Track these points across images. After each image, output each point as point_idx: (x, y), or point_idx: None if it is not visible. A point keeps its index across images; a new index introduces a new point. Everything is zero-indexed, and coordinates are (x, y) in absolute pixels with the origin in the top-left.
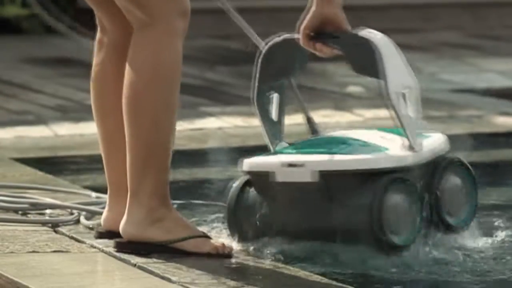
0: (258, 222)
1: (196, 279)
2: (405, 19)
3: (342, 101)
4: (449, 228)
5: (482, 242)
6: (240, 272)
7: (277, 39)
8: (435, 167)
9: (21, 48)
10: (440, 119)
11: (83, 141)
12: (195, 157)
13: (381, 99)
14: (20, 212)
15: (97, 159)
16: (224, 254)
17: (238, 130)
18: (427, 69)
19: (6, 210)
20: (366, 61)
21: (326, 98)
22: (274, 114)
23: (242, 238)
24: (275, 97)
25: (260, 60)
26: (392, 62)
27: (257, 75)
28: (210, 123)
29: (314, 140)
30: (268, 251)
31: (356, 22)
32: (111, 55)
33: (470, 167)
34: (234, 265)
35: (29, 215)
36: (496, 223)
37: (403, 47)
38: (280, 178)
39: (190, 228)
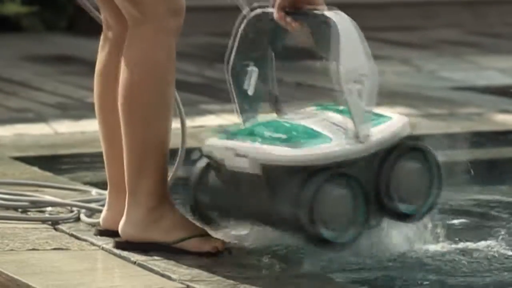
0: (216, 205)
1: (196, 277)
2: (405, 17)
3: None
4: (403, 217)
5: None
6: (240, 270)
7: (258, 11)
8: (387, 154)
9: (21, 46)
10: (440, 117)
11: (84, 139)
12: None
13: (380, 97)
14: (20, 210)
15: (97, 157)
16: (223, 252)
17: (238, 127)
18: (427, 66)
19: (6, 208)
20: (326, 41)
21: (326, 96)
22: (250, 88)
23: (205, 221)
24: (253, 70)
25: (239, 31)
26: (350, 46)
27: (235, 45)
28: (210, 120)
29: (270, 123)
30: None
31: (356, 20)
32: (115, 51)
33: (430, 153)
34: (233, 263)
35: (29, 213)
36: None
37: (403, 45)
38: (227, 164)
39: (190, 228)
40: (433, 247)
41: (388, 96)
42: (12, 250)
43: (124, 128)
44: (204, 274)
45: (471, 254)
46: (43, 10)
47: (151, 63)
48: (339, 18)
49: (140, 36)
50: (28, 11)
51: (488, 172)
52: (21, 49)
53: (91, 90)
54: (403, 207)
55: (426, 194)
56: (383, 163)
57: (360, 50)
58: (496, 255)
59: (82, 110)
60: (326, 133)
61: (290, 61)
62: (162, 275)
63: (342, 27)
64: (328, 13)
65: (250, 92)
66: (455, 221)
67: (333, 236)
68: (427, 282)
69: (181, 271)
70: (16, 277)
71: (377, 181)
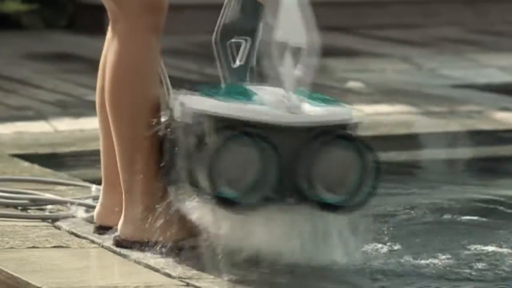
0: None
1: (196, 275)
2: (405, 15)
3: (342, 97)
4: (327, 207)
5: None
6: (240, 267)
7: None
8: (317, 136)
9: (21, 44)
10: (440, 114)
11: (83, 137)
12: None
13: (380, 94)
14: (20, 207)
15: (97, 155)
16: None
17: None
18: (427, 64)
19: (6, 205)
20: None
21: (325, 94)
22: (238, 59)
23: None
24: (245, 41)
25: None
26: (289, 14)
27: (224, 14)
28: None
29: (232, 86)
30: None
31: (357, 18)
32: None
33: (365, 145)
34: (233, 260)
35: (29, 211)
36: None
37: (404, 42)
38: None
39: (187, 228)
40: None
41: (388, 93)
42: (12, 248)
43: (112, 126)
44: (204, 272)
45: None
46: (43, 8)
47: (129, 60)
48: None
49: (119, 33)
50: (28, 9)
51: (488, 170)
52: (21, 47)
53: (91, 88)
54: (326, 196)
55: (356, 186)
56: (310, 144)
57: (300, 21)
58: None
59: (82, 108)
60: (266, 100)
61: None
62: (163, 273)
63: None
64: None
65: (238, 62)
66: (458, 219)
67: (233, 195)
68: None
69: (181, 269)
70: (16, 275)
71: (299, 160)
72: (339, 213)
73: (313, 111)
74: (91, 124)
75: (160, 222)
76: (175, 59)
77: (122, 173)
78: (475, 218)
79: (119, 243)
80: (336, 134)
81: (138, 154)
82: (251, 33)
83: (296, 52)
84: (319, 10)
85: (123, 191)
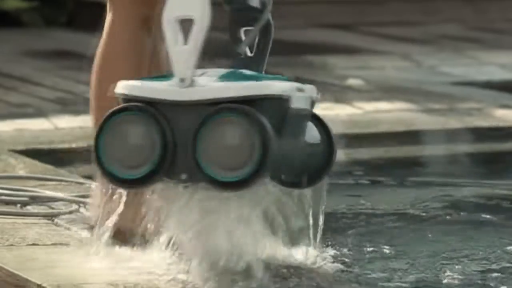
0: None
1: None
2: (405, 12)
3: (342, 94)
4: (221, 185)
5: None
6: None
7: None
8: (212, 111)
9: (21, 41)
10: (440, 111)
11: (84, 134)
12: None
13: (380, 92)
14: (19, 205)
15: None
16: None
17: None
18: (427, 62)
19: (6, 203)
20: None
21: (326, 91)
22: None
23: None
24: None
25: None
26: None
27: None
28: None
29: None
30: None
31: (357, 15)
32: None
33: (258, 121)
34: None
35: (28, 208)
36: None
37: (404, 40)
38: None
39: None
40: None
41: (388, 91)
42: (11, 245)
43: (91, 115)
44: (199, 268)
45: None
46: (43, 5)
47: (113, 53)
48: None
49: (107, 24)
50: (28, 6)
51: (488, 167)
52: (21, 44)
53: None
54: (216, 173)
55: (246, 164)
56: (196, 119)
57: None
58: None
59: (82, 105)
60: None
61: (290, 55)
62: (164, 270)
63: None
64: None
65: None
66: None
67: (120, 172)
68: None
69: (179, 265)
70: (15, 272)
71: (187, 136)
72: (232, 191)
73: (211, 87)
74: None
75: (127, 210)
76: None
77: None
78: (478, 215)
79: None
80: (219, 108)
81: None
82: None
83: (184, 22)
84: (319, 8)
85: None
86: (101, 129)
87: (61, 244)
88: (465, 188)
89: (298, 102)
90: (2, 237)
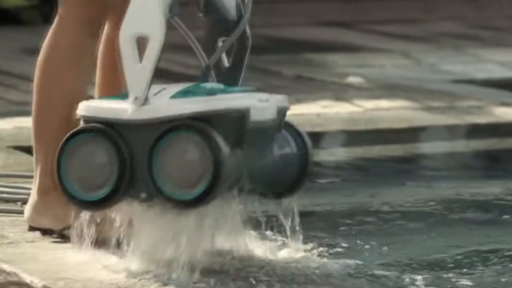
0: None
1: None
2: (405, 10)
3: (342, 92)
4: (173, 201)
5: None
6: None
7: None
8: (165, 129)
9: (20, 39)
10: (440, 109)
11: None
12: None
13: (380, 90)
14: (19, 203)
15: None
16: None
17: None
18: (427, 59)
19: (6, 201)
20: None
21: (326, 89)
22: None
23: None
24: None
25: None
26: (142, 4)
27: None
28: None
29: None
30: None
31: (357, 13)
32: (102, 47)
33: (217, 142)
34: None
35: None
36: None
37: (403, 37)
38: None
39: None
40: None
41: (388, 89)
42: (11, 242)
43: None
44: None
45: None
46: (42, 3)
47: (49, 49)
48: None
49: (53, 24)
50: (28, 4)
51: (488, 165)
52: (21, 42)
53: (90, 82)
54: (172, 192)
55: (200, 181)
56: (148, 139)
57: (153, 11)
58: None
59: None
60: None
61: (290, 53)
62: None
63: None
64: None
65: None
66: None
67: (81, 194)
68: None
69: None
70: (16, 270)
71: (142, 155)
72: (189, 209)
73: (165, 105)
74: None
75: (53, 209)
76: (175, 54)
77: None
78: (479, 213)
79: (30, 227)
80: (171, 126)
81: (41, 141)
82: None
83: (139, 40)
84: (319, 5)
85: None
86: (61, 151)
87: (61, 241)
88: (463, 186)
89: (259, 115)
90: (2, 235)
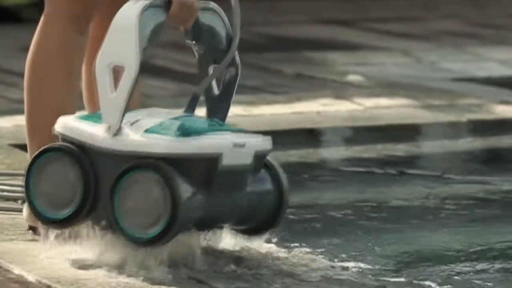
0: None
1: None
2: (405, 8)
3: (342, 90)
4: (130, 238)
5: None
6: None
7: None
8: (129, 166)
9: (21, 37)
10: (440, 107)
11: None
12: None
13: (381, 88)
14: (19, 201)
15: None
16: None
17: (238, 118)
18: (427, 58)
19: (6, 199)
20: None
21: (326, 87)
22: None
23: None
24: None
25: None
26: (119, 34)
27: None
28: None
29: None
30: None
31: (357, 11)
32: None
33: (175, 185)
34: None
35: None
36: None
37: (404, 36)
38: None
39: None
40: None
41: (389, 87)
42: (11, 240)
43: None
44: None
45: None
46: (42, 1)
47: (37, 46)
48: (129, 7)
49: (41, 21)
50: (27, 2)
51: (488, 164)
52: (21, 40)
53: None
54: (130, 229)
55: (157, 222)
56: (125, 169)
57: (129, 42)
58: None
59: (80, 101)
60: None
61: (290, 52)
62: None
63: (120, 15)
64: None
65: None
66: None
67: (46, 211)
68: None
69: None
70: (15, 267)
71: (109, 186)
72: (145, 247)
73: (135, 140)
74: None
75: None
76: (175, 53)
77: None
78: (478, 210)
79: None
80: (135, 164)
81: (34, 140)
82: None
83: (115, 70)
84: (319, 4)
85: None
86: (31, 166)
87: (59, 241)
88: (460, 183)
89: (232, 160)
90: (2, 232)
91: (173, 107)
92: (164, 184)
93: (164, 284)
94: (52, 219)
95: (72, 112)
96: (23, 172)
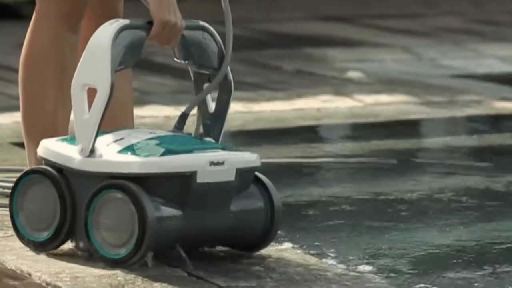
0: None
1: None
2: (406, 5)
3: (342, 87)
4: (103, 258)
5: None
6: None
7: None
8: (100, 187)
9: (20, 34)
10: (440, 104)
11: None
12: None
13: (380, 84)
14: None
15: None
16: None
17: (239, 115)
18: (427, 54)
19: (6, 195)
20: None
21: (326, 83)
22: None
23: None
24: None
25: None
26: (93, 55)
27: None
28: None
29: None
30: None
31: (357, 8)
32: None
33: (143, 204)
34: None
35: None
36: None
37: (404, 32)
38: None
39: None
40: None
41: (388, 83)
42: (12, 236)
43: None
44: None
45: None
46: None
47: (29, 45)
48: (104, 29)
49: (32, 19)
50: None
51: (488, 160)
52: (21, 37)
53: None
54: (103, 249)
55: (128, 242)
56: (99, 187)
57: (101, 64)
58: None
59: None
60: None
61: (290, 48)
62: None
63: (95, 36)
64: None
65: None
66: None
67: (27, 233)
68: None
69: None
70: (15, 263)
71: (84, 204)
72: (117, 266)
73: (107, 161)
74: None
75: None
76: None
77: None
78: (478, 204)
79: None
80: (106, 184)
81: (31, 136)
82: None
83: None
84: (319, 0)
85: None
86: (14, 188)
87: None
88: (462, 179)
89: (209, 177)
90: (2, 229)
91: (172, 103)
92: (131, 204)
93: (163, 280)
94: (33, 241)
95: (66, 110)
96: (23, 168)
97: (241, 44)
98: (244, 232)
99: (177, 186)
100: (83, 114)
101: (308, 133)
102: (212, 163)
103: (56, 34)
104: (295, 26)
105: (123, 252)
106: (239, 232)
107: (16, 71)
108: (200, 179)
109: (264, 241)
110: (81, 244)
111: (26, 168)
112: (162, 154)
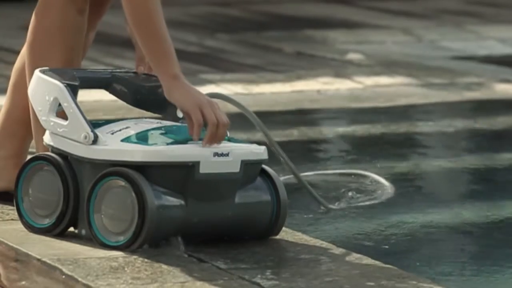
0: None
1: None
2: None
3: (342, 69)
4: (104, 245)
5: None
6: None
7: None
8: (101, 174)
9: (21, 16)
10: (440, 86)
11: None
12: None
13: (381, 66)
14: None
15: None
16: None
17: (238, 97)
18: (427, 36)
19: None
20: None
21: (326, 66)
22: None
23: None
24: None
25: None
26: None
27: None
28: (210, 90)
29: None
30: None
31: None
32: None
33: (143, 192)
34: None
35: None
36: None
37: (404, 14)
38: None
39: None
40: None
41: (389, 65)
42: (12, 219)
43: None
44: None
45: None
46: None
47: (35, 30)
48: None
49: (38, 1)
50: None
51: (488, 141)
52: (22, 19)
53: (91, 60)
54: (104, 236)
55: (128, 230)
56: (99, 177)
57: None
58: None
59: None
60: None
61: (290, 30)
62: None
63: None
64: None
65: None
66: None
67: (31, 219)
68: None
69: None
70: (16, 246)
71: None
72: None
73: (110, 149)
74: (90, 96)
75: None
76: (174, 31)
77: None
78: (479, 186)
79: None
80: (107, 172)
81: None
82: None
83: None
84: None
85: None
86: (20, 173)
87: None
88: (462, 161)
89: (213, 168)
90: (3, 212)
91: None
92: (132, 192)
93: (163, 261)
94: (36, 227)
95: None
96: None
97: (242, 25)
98: (249, 225)
99: (179, 176)
100: (57, 121)
101: (307, 115)
102: (216, 154)
103: (65, 16)
104: (296, 7)
105: (122, 239)
106: (244, 224)
107: (17, 53)
108: (203, 169)
109: (268, 234)
110: (83, 232)
111: (31, 156)
112: (167, 144)
